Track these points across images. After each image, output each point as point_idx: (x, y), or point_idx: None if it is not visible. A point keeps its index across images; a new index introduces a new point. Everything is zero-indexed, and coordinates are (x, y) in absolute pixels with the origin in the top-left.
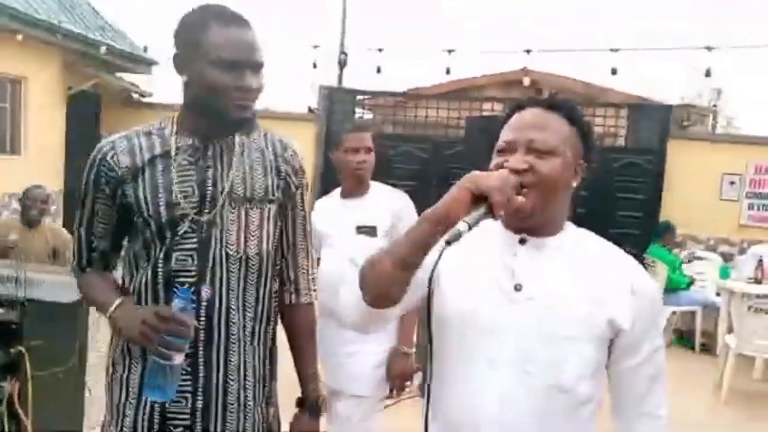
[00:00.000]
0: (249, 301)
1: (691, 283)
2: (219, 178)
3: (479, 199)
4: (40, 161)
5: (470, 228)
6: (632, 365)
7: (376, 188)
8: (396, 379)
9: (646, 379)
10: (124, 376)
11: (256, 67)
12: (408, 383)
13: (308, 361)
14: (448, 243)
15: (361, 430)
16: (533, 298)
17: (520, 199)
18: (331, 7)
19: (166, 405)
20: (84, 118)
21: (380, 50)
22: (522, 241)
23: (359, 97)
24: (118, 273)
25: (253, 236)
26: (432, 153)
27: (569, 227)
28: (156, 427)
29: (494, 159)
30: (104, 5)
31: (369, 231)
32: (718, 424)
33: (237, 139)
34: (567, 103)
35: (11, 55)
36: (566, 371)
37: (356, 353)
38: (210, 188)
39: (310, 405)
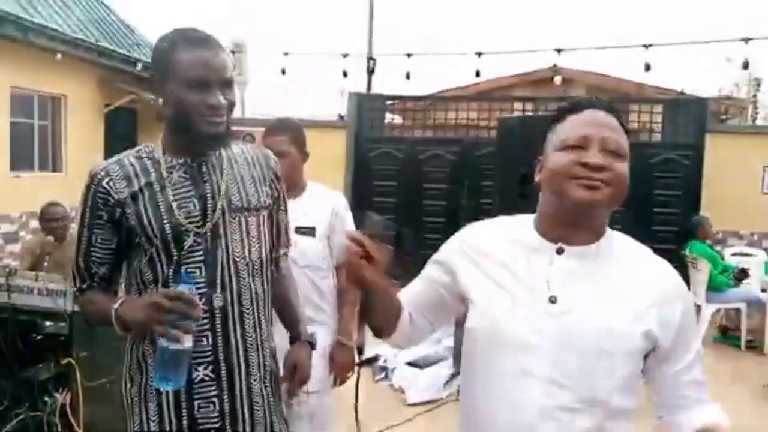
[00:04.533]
0: (259, 303)
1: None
2: (217, 191)
3: None
4: (81, 178)
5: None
6: (672, 372)
7: (313, 189)
8: (339, 371)
9: (688, 384)
10: (143, 384)
11: (224, 84)
12: (350, 374)
13: (294, 309)
14: None
15: (320, 423)
16: (568, 311)
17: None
18: (358, 16)
19: (194, 413)
20: (121, 133)
21: (409, 55)
22: (559, 251)
23: (388, 102)
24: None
25: (254, 242)
26: (462, 155)
27: (609, 233)
28: None
29: (560, 155)
30: (138, 21)
31: (308, 232)
32: (766, 425)
33: (224, 153)
34: (619, 110)
35: (51, 73)
36: (601, 384)
37: None
38: (210, 201)
39: (303, 340)
